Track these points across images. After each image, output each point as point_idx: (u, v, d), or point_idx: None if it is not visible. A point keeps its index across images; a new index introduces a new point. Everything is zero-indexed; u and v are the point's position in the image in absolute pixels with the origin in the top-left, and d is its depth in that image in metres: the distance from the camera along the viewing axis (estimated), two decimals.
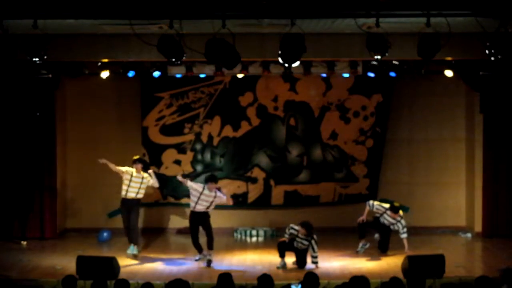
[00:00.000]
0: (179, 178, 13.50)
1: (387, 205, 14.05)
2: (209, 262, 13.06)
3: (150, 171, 14.21)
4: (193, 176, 15.84)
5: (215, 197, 13.19)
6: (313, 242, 12.88)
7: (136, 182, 13.90)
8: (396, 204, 14.04)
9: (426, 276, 10.81)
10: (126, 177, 13.91)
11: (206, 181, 13.34)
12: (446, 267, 11.80)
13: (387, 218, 13.99)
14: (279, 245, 13.06)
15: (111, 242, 15.05)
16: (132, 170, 13.95)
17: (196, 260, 13.29)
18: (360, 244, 14.10)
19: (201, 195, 13.16)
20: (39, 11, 9.84)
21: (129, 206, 13.91)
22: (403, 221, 13.95)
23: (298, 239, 12.92)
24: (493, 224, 15.56)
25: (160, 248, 14.81)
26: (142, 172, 13.98)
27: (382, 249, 14.11)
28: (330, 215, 16.03)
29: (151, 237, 15.63)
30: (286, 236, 13.04)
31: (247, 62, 14.08)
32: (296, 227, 12.97)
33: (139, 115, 16.11)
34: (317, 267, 12.82)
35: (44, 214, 15.49)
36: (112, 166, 13.96)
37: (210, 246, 13.25)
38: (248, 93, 16.08)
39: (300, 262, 12.99)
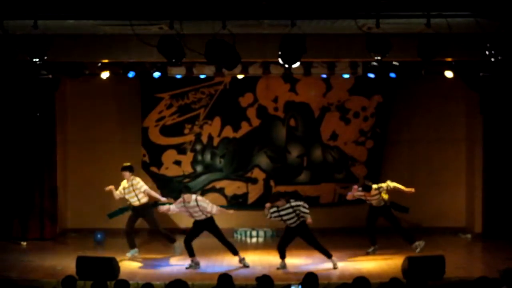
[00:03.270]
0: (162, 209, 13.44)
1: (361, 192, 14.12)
2: (245, 265, 13.14)
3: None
4: (193, 177, 15.87)
5: (198, 205, 13.04)
6: (293, 203, 12.77)
7: (129, 191, 13.91)
8: (368, 183, 14.07)
9: (426, 277, 10.82)
10: (122, 192, 13.96)
11: (180, 193, 13.29)
12: (446, 268, 11.81)
13: (371, 198, 14.06)
14: (279, 246, 13.05)
15: (111, 243, 15.03)
16: (123, 182, 13.95)
17: (187, 268, 13.04)
18: (372, 248, 14.14)
19: (188, 209, 13.06)
20: (39, 11, 9.84)
21: (139, 212, 14.02)
22: (382, 188, 14.04)
23: (282, 213, 12.79)
24: (493, 225, 15.55)
25: (160, 248, 14.80)
26: (131, 178, 13.95)
27: (408, 240, 14.13)
28: (330, 215, 16.02)
29: (151, 237, 15.60)
30: (271, 216, 12.92)
31: (247, 63, 14.08)
32: (272, 209, 12.82)
33: (139, 116, 16.12)
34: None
35: (44, 214, 15.50)
36: (115, 193, 13.97)
37: (235, 252, 13.24)
38: (248, 93, 16.09)
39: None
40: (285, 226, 13.08)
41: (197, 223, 13.21)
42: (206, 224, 13.18)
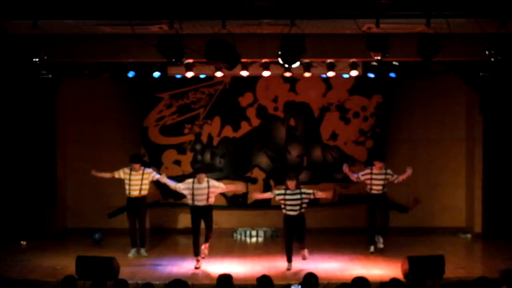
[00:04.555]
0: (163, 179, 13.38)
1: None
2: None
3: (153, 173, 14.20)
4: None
5: (208, 187, 13.05)
6: (303, 190, 12.72)
7: (136, 179, 13.93)
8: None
9: (426, 277, 10.82)
10: (125, 177, 13.95)
11: (196, 172, 13.29)
12: (446, 267, 11.79)
13: (377, 178, 14.00)
14: (286, 246, 12.88)
15: (110, 242, 15.01)
16: (127, 170, 13.95)
17: (196, 268, 12.96)
18: (372, 247, 14.16)
19: (194, 191, 13.06)
20: (39, 11, 9.84)
21: (135, 205, 14.00)
22: (389, 170, 14.08)
23: (288, 197, 12.70)
24: (493, 225, 15.55)
25: (160, 248, 14.81)
26: (141, 170, 13.99)
27: (382, 233, 14.12)
28: (329, 215, 16.02)
29: (151, 237, 15.61)
30: (276, 196, 12.85)
31: (247, 63, 14.07)
32: (280, 191, 12.80)
33: (139, 116, 16.11)
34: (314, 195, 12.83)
35: (44, 214, 15.50)
36: (104, 174, 13.99)
37: (207, 239, 13.05)
38: (248, 93, 16.09)
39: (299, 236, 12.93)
40: (284, 217, 12.89)
41: (195, 210, 13.11)
42: (205, 211, 13.11)
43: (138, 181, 13.97)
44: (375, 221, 14.21)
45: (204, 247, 13.02)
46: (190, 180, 13.16)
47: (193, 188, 13.02)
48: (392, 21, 10.27)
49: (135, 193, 13.98)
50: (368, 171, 14.08)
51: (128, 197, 14.03)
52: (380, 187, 14.05)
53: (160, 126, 16.12)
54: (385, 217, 14.23)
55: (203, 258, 12.97)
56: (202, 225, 13.21)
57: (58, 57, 12.06)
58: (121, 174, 13.99)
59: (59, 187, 15.79)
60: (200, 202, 13.04)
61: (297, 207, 12.72)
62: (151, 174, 14.05)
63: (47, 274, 12.23)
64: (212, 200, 13.15)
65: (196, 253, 13.05)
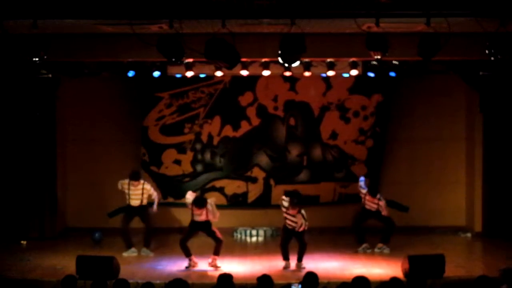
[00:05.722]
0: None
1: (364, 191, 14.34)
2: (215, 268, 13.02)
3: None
4: (193, 176, 15.87)
5: (206, 209, 13.09)
6: (303, 212, 12.89)
7: (136, 193, 14.01)
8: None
9: (426, 276, 10.83)
10: (124, 189, 14.06)
11: (193, 203, 13.21)
12: (446, 267, 11.81)
13: (370, 204, 14.23)
14: (282, 247, 12.96)
15: (110, 242, 15.01)
16: (126, 183, 14.06)
17: (187, 268, 12.96)
18: (362, 246, 14.17)
19: (193, 211, 13.09)
20: (38, 11, 9.84)
21: (137, 212, 14.14)
22: (381, 201, 14.21)
23: (288, 216, 12.86)
24: (493, 224, 15.56)
25: (160, 248, 14.80)
26: (141, 184, 14.10)
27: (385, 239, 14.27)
28: (330, 215, 16.03)
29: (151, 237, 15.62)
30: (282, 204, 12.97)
31: (247, 62, 14.06)
32: (285, 203, 12.88)
33: (139, 115, 16.11)
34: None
35: (44, 214, 15.50)
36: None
37: (217, 252, 13.08)
38: (248, 92, 16.09)
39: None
40: (283, 225, 13.07)
41: (194, 224, 13.15)
42: (205, 225, 13.14)
43: (139, 194, 14.06)
44: (361, 221, 14.39)
45: (213, 259, 13.03)
46: (191, 201, 13.21)
47: (192, 209, 13.10)
48: (392, 20, 10.26)
49: (136, 203, 14.07)
50: (365, 191, 14.31)
51: (128, 205, 14.13)
52: (372, 208, 14.25)
53: (160, 125, 16.11)
54: (388, 222, 14.30)
55: (217, 268, 12.95)
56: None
57: (58, 56, 12.04)
58: (119, 186, 14.12)
59: (59, 187, 15.79)
60: (199, 218, 13.09)
61: (296, 225, 12.89)
62: (150, 191, 14.20)
63: (47, 273, 12.25)
64: (211, 217, 13.16)
65: (187, 254, 13.05)
